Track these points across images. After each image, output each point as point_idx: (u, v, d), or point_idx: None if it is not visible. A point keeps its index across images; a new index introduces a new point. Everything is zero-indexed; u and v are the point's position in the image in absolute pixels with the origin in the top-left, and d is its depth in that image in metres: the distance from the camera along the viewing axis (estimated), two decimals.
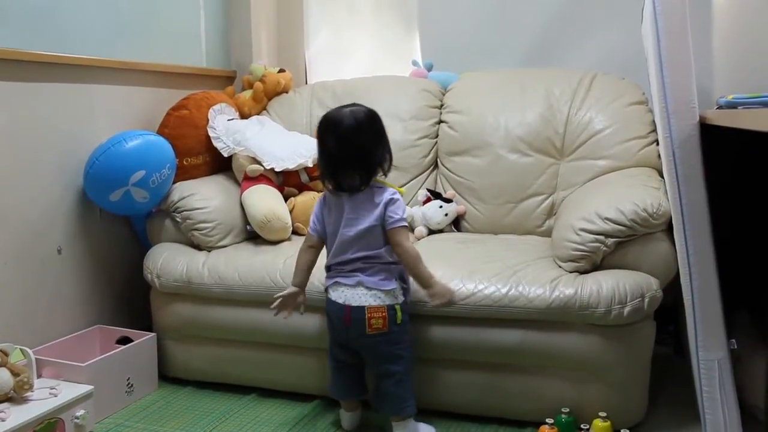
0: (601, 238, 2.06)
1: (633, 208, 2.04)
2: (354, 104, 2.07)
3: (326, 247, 2.11)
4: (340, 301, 1.99)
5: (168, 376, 2.51)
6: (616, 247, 2.08)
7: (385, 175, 2.07)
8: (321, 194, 2.14)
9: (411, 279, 2.08)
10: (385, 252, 2.02)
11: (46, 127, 2.37)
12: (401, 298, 2.03)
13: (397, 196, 2.05)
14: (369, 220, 2.00)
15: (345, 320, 1.99)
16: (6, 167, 2.23)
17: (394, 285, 2.02)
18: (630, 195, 2.12)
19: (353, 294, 1.99)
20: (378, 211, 2.01)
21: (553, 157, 2.69)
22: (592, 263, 2.10)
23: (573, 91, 2.75)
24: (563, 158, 2.68)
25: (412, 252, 2.02)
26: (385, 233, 2.01)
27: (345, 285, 2.01)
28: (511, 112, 2.78)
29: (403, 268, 2.06)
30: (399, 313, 2.00)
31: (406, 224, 2.05)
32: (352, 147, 2.00)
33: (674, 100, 1.79)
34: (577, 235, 2.09)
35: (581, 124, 2.67)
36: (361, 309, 1.97)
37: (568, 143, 2.67)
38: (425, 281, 2.04)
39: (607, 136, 2.61)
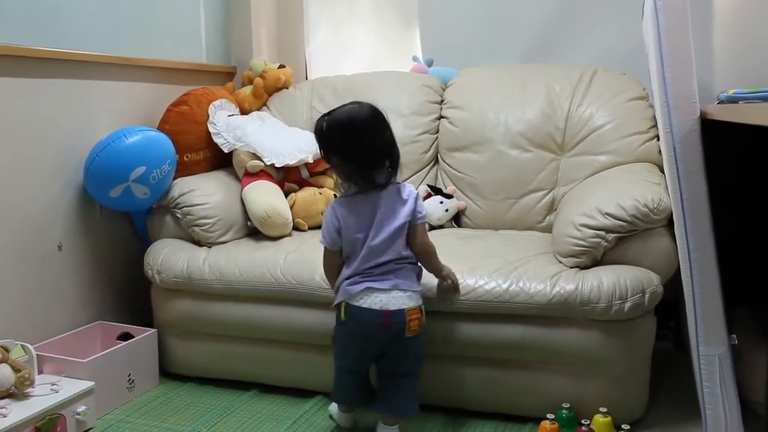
0: (602, 233, 2.06)
1: (633, 204, 2.04)
2: (354, 102, 2.01)
3: (348, 255, 2.00)
4: (377, 306, 1.89)
5: (169, 372, 2.51)
6: (616, 243, 2.08)
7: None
8: (332, 204, 2.02)
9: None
10: (410, 251, 2.01)
11: (46, 123, 2.37)
12: (422, 299, 2.01)
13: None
14: (401, 216, 1.96)
15: (384, 325, 1.90)
16: (6, 164, 2.23)
17: (420, 285, 2.02)
18: (631, 190, 2.12)
19: (389, 298, 1.90)
20: (408, 206, 1.97)
21: (554, 152, 2.69)
22: (593, 259, 2.10)
23: (573, 87, 2.75)
24: (564, 154, 2.68)
25: (432, 245, 2.05)
26: (408, 229, 1.99)
27: (379, 290, 1.91)
28: (511, 108, 2.78)
29: (419, 268, 2.05)
30: (424, 314, 1.98)
31: None
32: (378, 140, 1.96)
33: (675, 96, 1.79)
34: (578, 230, 2.09)
35: (582, 119, 2.67)
36: (400, 312, 1.90)
37: (568, 139, 2.67)
38: (440, 269, 2.06)
39: (608, 132, 2.61)
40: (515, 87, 2.83)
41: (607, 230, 2.05)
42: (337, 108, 2.01)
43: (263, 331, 2.31)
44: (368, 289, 1.92)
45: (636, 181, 2.24)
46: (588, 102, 2.69)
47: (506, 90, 2.84)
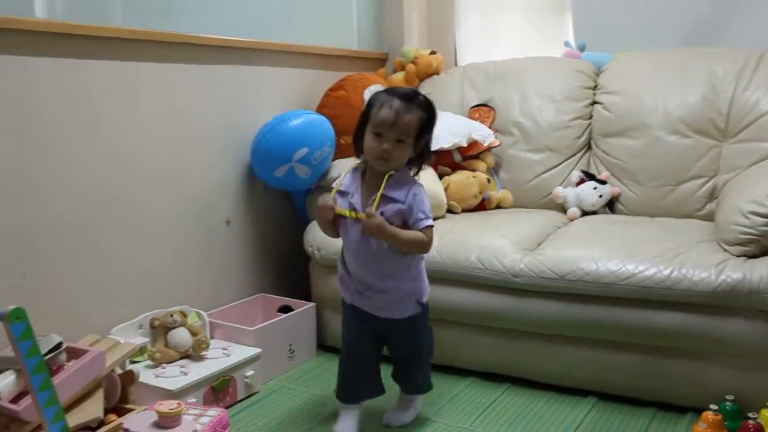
0: None
1: None
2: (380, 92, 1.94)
3: None
4: None
5: (325, 345, 2.63)
6: None
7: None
8: (421, 186, 1.93)
9: None
10: None
11: (217, 106, 2.53)
12: None
13: None
14: None
15: None
16: (183, 144, 2.41)
17: None
18: None
19: None
20: None
21: (715, 138, 2.60)
22: (762, 248, 2.02)
23: (738, 70, 2.64)
24: (726, 140, 2.58)
25: None
26: None
27: None
28: (669, 92, 2.70)
29: None
30: None
31: None
32: None
33: None
34: (746, 218, 2.02)
35: (747, 104, 2.56)
36: None
37: (732, 125, 2.57)
38: None
39: None
40: (673, 71, 2.75)
41: None
42: (394, 89, 1.94)
43: None
44: None
45: None
46: (755, 86, 2.58)
47: (664, 74, 2.76)
